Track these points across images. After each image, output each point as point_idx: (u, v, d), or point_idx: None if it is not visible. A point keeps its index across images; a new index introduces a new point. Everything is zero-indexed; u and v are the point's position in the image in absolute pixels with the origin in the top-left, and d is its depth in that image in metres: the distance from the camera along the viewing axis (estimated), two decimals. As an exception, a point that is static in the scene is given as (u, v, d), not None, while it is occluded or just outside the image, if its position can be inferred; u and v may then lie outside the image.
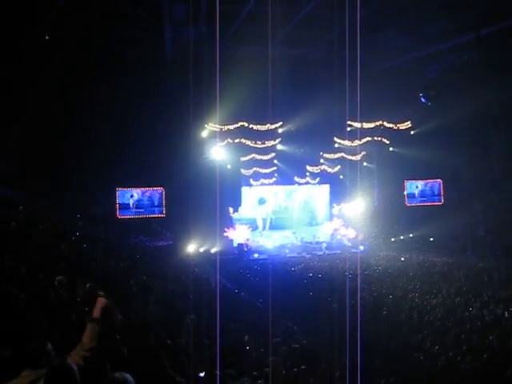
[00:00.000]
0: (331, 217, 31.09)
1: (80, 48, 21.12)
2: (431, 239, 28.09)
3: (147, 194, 27.93)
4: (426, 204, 31.63)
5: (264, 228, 30.16)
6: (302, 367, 9.74)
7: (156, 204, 27.88)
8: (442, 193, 31.91)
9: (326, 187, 31.58)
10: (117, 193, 27.27)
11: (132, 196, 27.65)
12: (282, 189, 30.94)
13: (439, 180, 31.92)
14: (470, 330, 12.06)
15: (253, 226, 29.47)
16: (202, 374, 5.68)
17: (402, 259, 23.79)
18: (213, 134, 26.26)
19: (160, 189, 27.88)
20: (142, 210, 27.65)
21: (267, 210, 30.52)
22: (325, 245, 28.92)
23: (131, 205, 27.54)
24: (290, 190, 31.11)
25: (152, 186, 27.79)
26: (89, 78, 22.53)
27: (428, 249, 26.46)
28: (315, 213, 31.46)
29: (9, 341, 5.79)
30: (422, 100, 25.64)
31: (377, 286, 17.54)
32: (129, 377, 4.99)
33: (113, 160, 24.71)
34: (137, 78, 23.75)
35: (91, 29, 20.45)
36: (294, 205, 31.25)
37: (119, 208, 27.23)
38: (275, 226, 30.42)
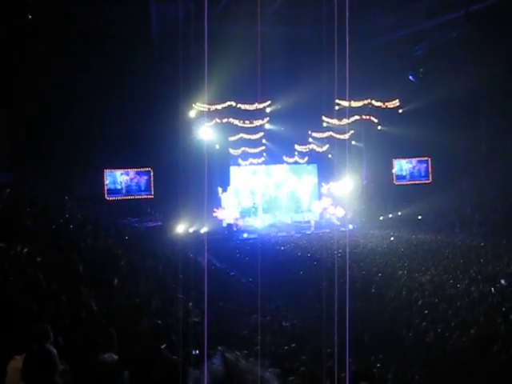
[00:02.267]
0: (320, 196, 31.18)
1: (65, 27, 20.84)
2: (419, 217, 28.25)
3: (135, 174, 27.83)
4: (414, 182, 31.77)
5: (255, 215, 30.27)
6: (293, 345, 9.84)
7: (144, 185, 27.81)
8: (429, 171, 32.05)
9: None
10: (105, 174, 27.15)
11: (120, 177, 27.55)
12: (271, 181, 31.25)
13: (427, 158, 32.03)
14: (457, 306, 12.21)
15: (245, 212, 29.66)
16: (196, 352, 5.70)
17: (392, 238, 23.94)
18: (201, 114, 26.15)
19: (148, 169, 27.78)
20: (131, 191, 27.58)
21: (258, 199, 30.61)
22: (312, 223, 29.07)
23: (120, 186, 27.45)
24: (279, 183, 31.41)
25: (140, 167, 27.69)
26: (75, 57, 22.28)
27: (416, 227, 26.62)
28: (300, 202, 31.57)
29: (10, 324, 5.82)
30: (411, 78, 25.66)
31: (366, 264, 17.67)
32: (117, 358, 5.01)
33: (100, 141, 24.52)
34: (124, 57, 23.45)
35: (76, 6, 20.15)
36: (281, 195, 31.43)
37: (107, 189, 27.14)
38: (265, 212, 30.60)
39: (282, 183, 31.55)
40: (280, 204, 31.19)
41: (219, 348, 2.55)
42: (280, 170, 31.56)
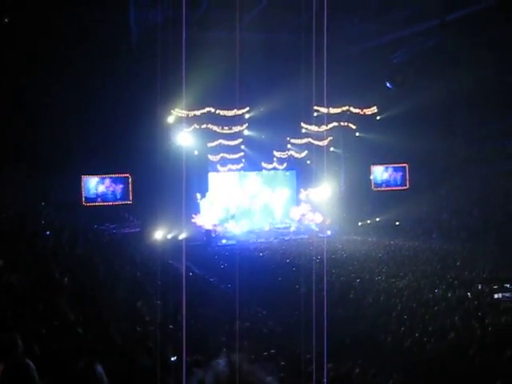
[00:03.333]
0: (298, 202, 31.28)
1: (42, 31, 20.62)
2: (397, 223, 28.49)
3: (111, 182, 27.64)
4: (392, 188, 32.01)
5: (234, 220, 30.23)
6: (272, 351, 9.83)
7: (123, 191, 27.64)
8: (407, 177, 32.30)
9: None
10: (82, 180, 26.93)
11: (98, 183, 27.35)
12: (244, 193, 31.24)
13: (405, 164, 32.27)
14: (435, 311, 12.31)
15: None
16: (173, 359, 5.68)
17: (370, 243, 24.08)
18: (179, 120, 26.07)
19: (126, 175, 27.61)
20: (109, 197, 27.39)
21: (234, 208, 30.59)
22: (293, 228, 29.17)
23: (97, 192, 27.25)
24: (253, 195, 31.34)
25: (118, 173, 27.52)
26: (53, 61, 22.08)
27: (394, 233, 26.82)
28: (274, 214, 31.58)
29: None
30: (388, 86, 25.89)
31: (344, 270, 17.74)
32: (98, 366, 4.96)
33: (78, 146, 24.36)
34: (102, 62, 23.30)
35: (54, 10, 19.96)
36: (255, 207, 31.41)
37: (85, 195, 26.92)
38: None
39: (255, 195, 31.52)
40: (253, 216, 31.13)
41: (224, 349, 2.58)
42: (254, 182, 31.58)
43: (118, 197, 27.56)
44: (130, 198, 27.59)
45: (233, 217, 29.88)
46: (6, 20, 19.36)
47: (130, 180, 27.60)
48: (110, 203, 27.33)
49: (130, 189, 27.58)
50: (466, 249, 21.06)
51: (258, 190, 31.55)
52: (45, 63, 21.97)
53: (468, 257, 19.02)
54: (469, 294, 13.73)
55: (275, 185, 31.91)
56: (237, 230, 29.05)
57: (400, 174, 32.52)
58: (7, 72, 20.43)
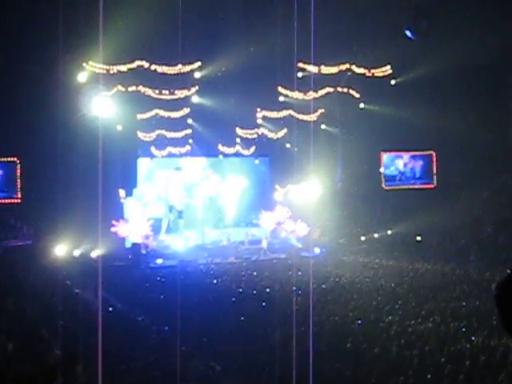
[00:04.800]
0: (272, 204, 31.30)
1: None
2: (418, 238, 28.67)
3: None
4: (411, 187, 32.24)
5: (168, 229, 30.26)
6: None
7: (5, 183, 27.32)
8: (434, 171, 32.56)
9: (264, 161, 31.98)
10: None
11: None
12: (179, 182, 31.31)
13: (431, 153, 32.54)
14: (471, 368, 12.41)
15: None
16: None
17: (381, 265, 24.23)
18: (95, 78, 25.83)
19: (12, 160, 27.28)
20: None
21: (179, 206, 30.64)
22: (264, 243, 29.22)
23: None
24: (190, 185, 31.49)
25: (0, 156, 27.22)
26: None
27: (414, 252, 26.99)
28: (223, 213, 31.89)
29: None
30: (408, 35, 26.04)
31: (339, 307, 17.80)
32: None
33: None
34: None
35: None
36: (197, 202, 31.66)
37: None
38: (174, 228, 30.77)
39: (194, 185, 31.68)
40: (193, 216, 31.31)
41: None
42: (195, 166, 31.66)
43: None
44: (18, 194, 27.25)
45: (180, 215, 29.87)
46: None
47: (17, 167, 27.26)
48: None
49: (18, 180, 27.24)
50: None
51: (200, 177, 31.55)
52: None
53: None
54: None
55: (227, 170, 32.17)
56: (179, 244, 28.94)
57: (423, 165, 32.76)
58: None
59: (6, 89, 23.88)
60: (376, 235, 29.91)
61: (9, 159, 27.28)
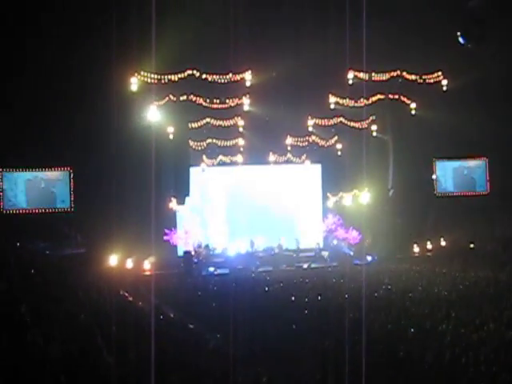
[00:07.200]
0: (324, 212, 31.22)
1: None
2: (471, 246, 28.40)
3: (48, 177, 27.65)
4: (464, 194, 31.97)
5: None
6: None
7: (60, 192, 27.63)
8: (487, 177, 32.26)
9: (317, 168, 31.86)
10: (2, 176, 26.96)
11: (24, 180, 27.36)
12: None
13: (485, 159, 32.26)
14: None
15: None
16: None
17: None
18: (146, 89, 26.05)
19: (67, 170, 27.62)
20: (41, 202, 27.40)
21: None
22: (326, 254, 29.20)
23: (22, 194, 27.25)
24: (241, 192, 31.66)
25: (54, 166, 27.52)
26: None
27: (467, 260, 26.73)
28: (289, 231, 31.58)
29: None
30: (461, 40, 25.84)
31: (391, 316, 17.69)
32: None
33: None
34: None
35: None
36: (248, 211, 31.52)
37: (5, 198, 26.93)
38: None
39: (246, 193, 31.70)
40: (244, 224, 31.24)
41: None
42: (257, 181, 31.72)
43: (54, 201, 27.53)
44: (71, 203, 27.56)
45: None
46: None
47: (71, 176, 27.58)
48: (42, 210, 27.32)
49: (72, 190, 27.55)
50: None
51: (263, 194, 31.57)
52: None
53: None
54: None
55: (289, 186, 31.97)
56: (231, 252, 29.03)
57: (477, 172, 32.47)
58: None
59: (61, 100, 24.16)
60: (428, 243, 29.67)
61: (63, 169, 27.62)
